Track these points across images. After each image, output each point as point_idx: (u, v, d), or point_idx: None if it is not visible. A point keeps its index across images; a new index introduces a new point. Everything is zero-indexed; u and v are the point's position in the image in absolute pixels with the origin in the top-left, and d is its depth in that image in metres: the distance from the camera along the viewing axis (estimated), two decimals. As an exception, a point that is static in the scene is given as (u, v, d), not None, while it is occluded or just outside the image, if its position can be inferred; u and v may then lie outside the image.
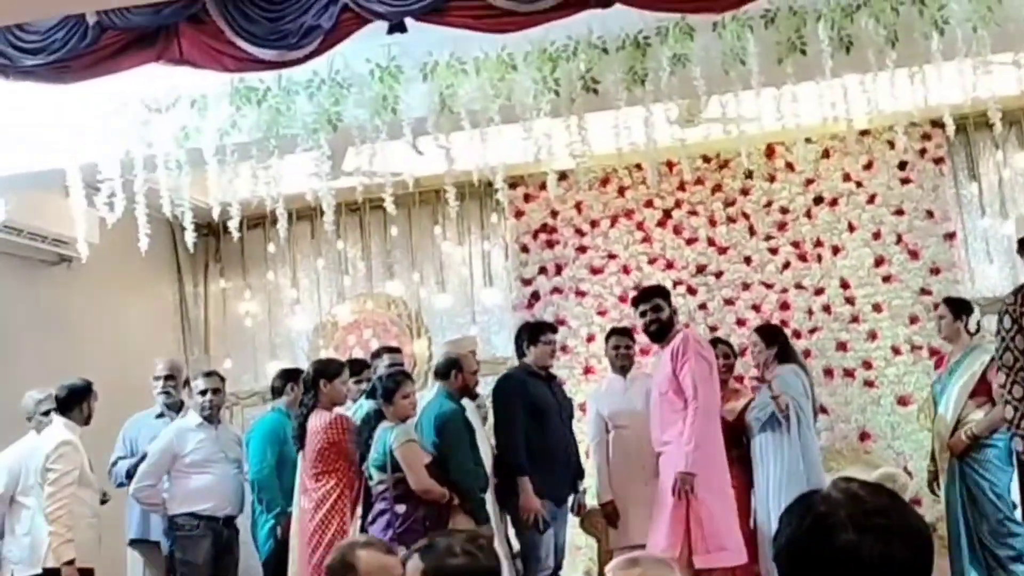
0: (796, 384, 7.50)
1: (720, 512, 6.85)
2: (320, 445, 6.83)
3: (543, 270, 9.89)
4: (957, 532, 7.19)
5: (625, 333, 8.18)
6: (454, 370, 7.24)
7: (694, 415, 6.96)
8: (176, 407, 7.79)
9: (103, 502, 7.42)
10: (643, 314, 7.41)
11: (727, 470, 7.12)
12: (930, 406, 7.66)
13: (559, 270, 9.87)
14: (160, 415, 7.81)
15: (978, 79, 6.23)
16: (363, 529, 6.53)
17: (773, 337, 7.85)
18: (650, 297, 7.48)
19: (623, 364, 8.00)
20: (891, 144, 9.18)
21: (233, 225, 6.77)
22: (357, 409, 7.24)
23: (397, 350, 8.18)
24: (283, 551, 7.00)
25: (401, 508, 6.49)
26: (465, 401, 7.36)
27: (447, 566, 3.00)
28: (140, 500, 7.45)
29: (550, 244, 9.91)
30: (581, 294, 9.82)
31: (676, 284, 9.64)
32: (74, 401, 7.04)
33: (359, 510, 6.76)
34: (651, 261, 9.77)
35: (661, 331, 7.33)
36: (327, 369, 7.09)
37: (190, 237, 6.80)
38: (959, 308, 7.47)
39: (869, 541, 2.00)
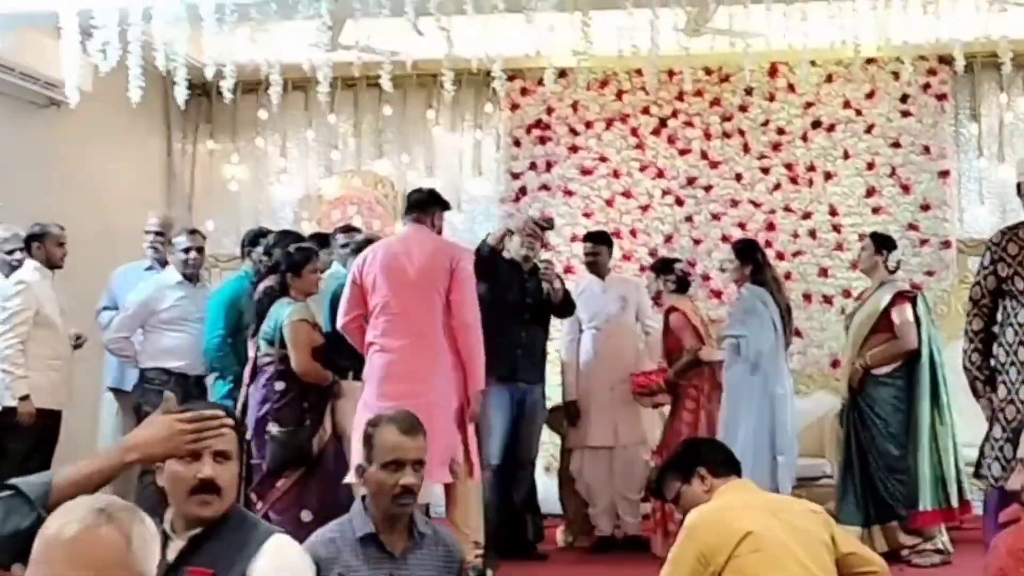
0: (751, 314, 7.40)
1: None
2: None
3: (533, 165, 9.84)
4: (843, 474, 7.21)
5: (597, 239, 8.15)
6: None
7: None
8: (165, 262, 7.70)
9: (77, 346, 7.40)
10: None
11: None
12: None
13: (549, 167, 9.82)
14: (149, 267, 7.73)
15: (992, 17, 6.18)
16: (244, 403, 6.45)
17: (748, 254, 7.49)
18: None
19: (593, 270, 8.01)
20: (895, 75, 9.14)
21: (226, 86, 6.70)
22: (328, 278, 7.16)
23: (356, 230, 7.96)
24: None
25: (280, 385, 6.35)
26: None
27: None
28: (112, 351, 7.41)
29: (543, 140, 9.84)
30: (569, 193, 9.79)
31: (665, 193, 9.68)
32: (28, 245, 7.03)
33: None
34: (642, 168, 9.73)
35: None
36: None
37: (181, 93, 6.72)
38: (881, 243, 7.37)
39: None
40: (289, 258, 6.54)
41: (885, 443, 6.96)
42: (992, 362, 5.75)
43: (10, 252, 7.09)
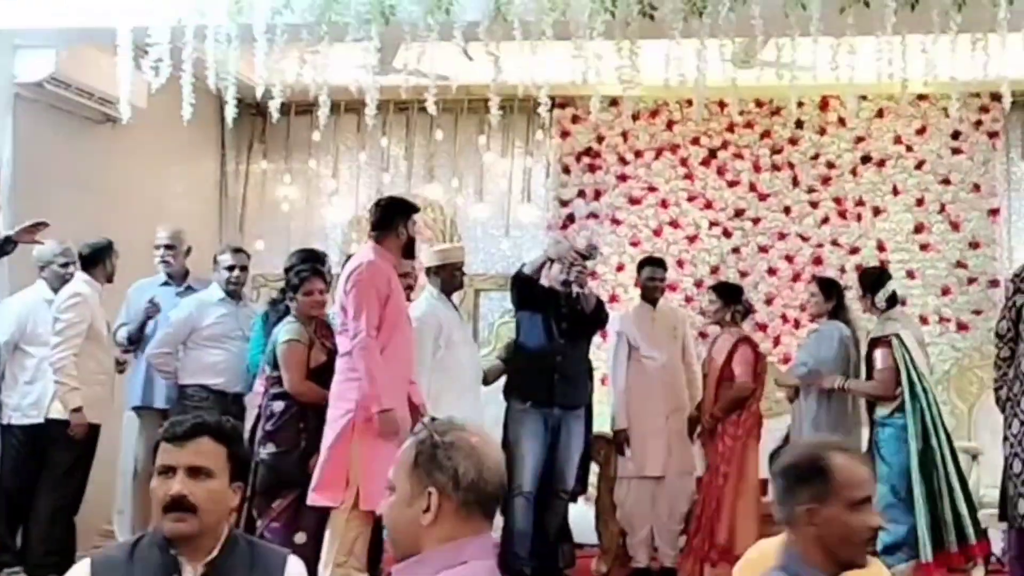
0: (828, 346, 7.44)
1: None
2: None
3: (582, 193, 9.87)
4: None
5: (660, 264, 8.13)
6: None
7: None
8: (179, 276, 7.77)
9: (120, 371, 7.50)
10: None
11: None
12: None
13: (598, 195, 9.85)
14: (165, 283, 7.76)
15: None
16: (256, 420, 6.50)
17: (833, 290, 7.66)
18: None
19: (655, 296, 7.98)
20: (946, 112, 9.08)
21: (274, 106, 6.80)
22: None
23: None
24: None
25: (278, 405, 6.37)
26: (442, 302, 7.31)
27: None
28: (155, 367, 7.42)
29: (592, 168, 9.87)
30: (616, 222, 9.81)
31: (712, 224, 9.69)
32: (96, 258, 7.12)
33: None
34: (690, 198, 9.75)
35: None
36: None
37: (231, 112, 6.82)
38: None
39: None
40: (287, 280, 6.67)
41: (881, 485, 6.93)
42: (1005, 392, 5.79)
43: (63, 266, 7.20)
